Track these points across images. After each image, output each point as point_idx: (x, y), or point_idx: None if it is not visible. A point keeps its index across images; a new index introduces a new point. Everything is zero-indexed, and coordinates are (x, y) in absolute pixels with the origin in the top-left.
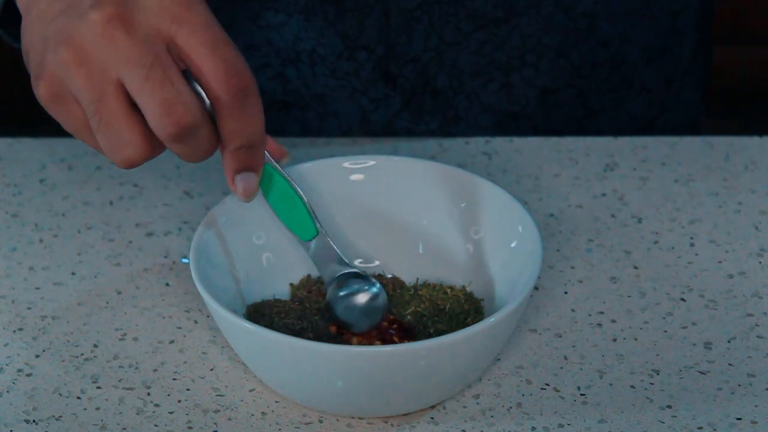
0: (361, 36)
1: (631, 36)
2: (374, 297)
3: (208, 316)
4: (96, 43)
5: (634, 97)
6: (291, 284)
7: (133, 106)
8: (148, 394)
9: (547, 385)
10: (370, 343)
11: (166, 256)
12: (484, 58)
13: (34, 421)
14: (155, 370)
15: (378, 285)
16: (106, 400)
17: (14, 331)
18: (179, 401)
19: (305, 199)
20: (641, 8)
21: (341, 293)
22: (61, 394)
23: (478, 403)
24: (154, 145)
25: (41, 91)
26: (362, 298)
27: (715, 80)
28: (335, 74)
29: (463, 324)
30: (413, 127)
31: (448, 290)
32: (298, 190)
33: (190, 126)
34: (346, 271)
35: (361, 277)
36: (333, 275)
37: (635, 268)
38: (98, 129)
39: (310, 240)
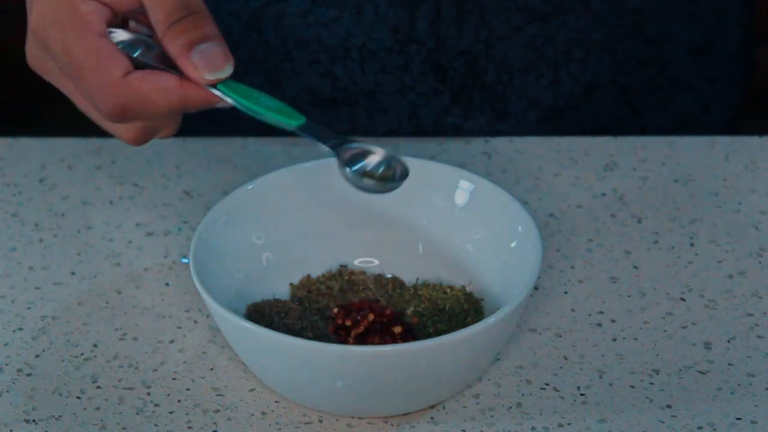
0: (412, 29)
1: (676, 33)
2: (388, 162)
3: (208, 316)
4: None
5: (678, 96)
6: (291, 284)
7: None
8: (148, 394)
9: (547, 385)
10: (371, 343)
11: (166, 256)
12: (534, 52)
13: (34, 420)
14: (155, 370)
15: (383, 152)
16: (106, 400)
17: (14, 331)
18: (179, 401)
19: (273, 98)
20: (686, 6)
21: (357, 168)
22: (61, 394)
23: (478, 403)
24: (131, 125)
25: (31, 61)
26: (378, 169)
27: (754, 80)
28: (385, 69)
29: (463, 324)
30: (461, 123)
31: (448, 290)
32: (262, 92)
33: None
34: (349, 145)
35: (364, 150)
36: (335, 143)
37: (635, 268)
38: (79, 85)
39: (302, 125)
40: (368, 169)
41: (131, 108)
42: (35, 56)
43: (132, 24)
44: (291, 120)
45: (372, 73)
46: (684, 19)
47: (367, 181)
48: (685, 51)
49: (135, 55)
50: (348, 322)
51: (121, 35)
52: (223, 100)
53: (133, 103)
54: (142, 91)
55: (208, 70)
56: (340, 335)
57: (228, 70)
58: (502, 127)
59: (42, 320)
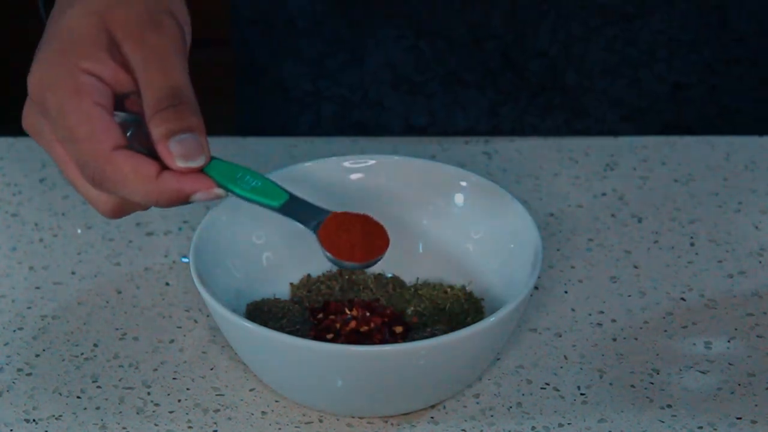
0: (489, 25)
1: (766, 29)
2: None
3: (208, 316)
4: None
5: None
6: (291, 284)
7: None
8: (148, 393)
9: (547, 384)
10: (371, 342)
11: (166, 256)
12: (614, 54)
13: (34, 420)
14: (155, 370)
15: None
16: (106, 399)
17: (14, 331)
18: (179, 401)
19: (259, 174)
20: None
21: None
22: (61, 394)
23: (478, 403)
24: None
25: (25, 124)
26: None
27: None
28: (461, 63)
29: (463, 324)
30: (539, 123)
31: (448, 290)
32: (248, 168)
33: (115, 214)
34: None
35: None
36: (317, 224)
37: (635, 267)
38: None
39: (284, 204)
40: None
41: (109, 182)
42: (31, 119)
43: (128, 104)
44: (272, 201)
45: (453, 62)
46: None
47: (348, 264)
48: None
49: (127, 134)
50: (337, 324)
51: (118, 113)
52: (200, 195)
53: (112, 177)
54: (122, 169)
55: (181, 157)
56: (340, 335)
57: (200, 161)
58: (579, 126)
59: (42, 320)
